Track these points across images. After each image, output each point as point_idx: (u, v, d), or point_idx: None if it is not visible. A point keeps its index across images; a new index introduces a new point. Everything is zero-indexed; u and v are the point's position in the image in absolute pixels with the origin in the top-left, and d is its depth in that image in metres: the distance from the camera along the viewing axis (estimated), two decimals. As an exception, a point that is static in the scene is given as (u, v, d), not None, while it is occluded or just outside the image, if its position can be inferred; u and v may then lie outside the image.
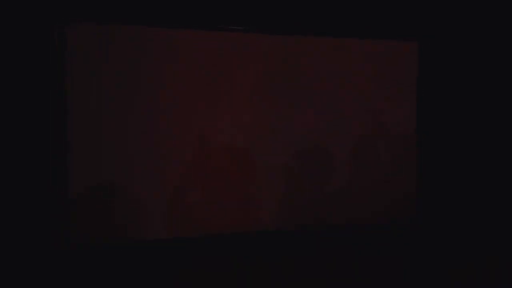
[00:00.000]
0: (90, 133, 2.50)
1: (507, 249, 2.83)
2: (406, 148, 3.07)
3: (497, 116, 3.03)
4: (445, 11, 2.99)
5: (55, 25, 2.38)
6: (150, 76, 2.60)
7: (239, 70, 2.75)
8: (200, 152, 2.72)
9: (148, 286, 2.29)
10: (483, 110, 3.04)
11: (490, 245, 2.90)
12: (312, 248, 2.84)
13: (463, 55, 3.04)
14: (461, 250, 2.83)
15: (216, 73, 2.70)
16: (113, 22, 2.50)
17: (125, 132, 2.57)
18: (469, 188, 3.06)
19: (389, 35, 2.98)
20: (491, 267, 2.50)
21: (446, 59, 3.03)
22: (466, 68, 3.04)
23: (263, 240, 2.83)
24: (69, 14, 2.40)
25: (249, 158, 2.81)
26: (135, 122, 2.58)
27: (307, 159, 2.94)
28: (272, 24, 2.76)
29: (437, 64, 3.04)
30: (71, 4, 2.41)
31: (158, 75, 2.60)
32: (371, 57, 2.96)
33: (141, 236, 2.63)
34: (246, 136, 2.78)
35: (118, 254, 2.58)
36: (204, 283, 2.33)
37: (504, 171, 3.05)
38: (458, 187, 3.09)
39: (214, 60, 2.69)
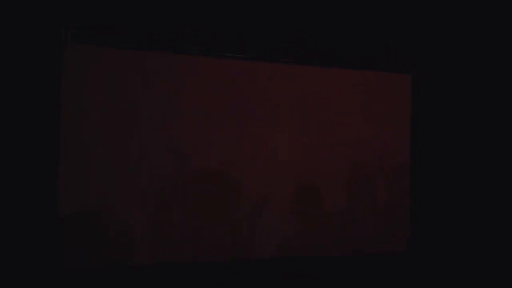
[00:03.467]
0: (83, 156, 2.45)
1: (505, 281, 2.83)
2: (400, 178, 3.07)
3: (491, 147, 3.07)
4: (439, 42, 3.05)
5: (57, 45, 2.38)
6: (150, 103, 2.59)
7: (238, 95, 2.76)
8: (191, 176, 2.69)
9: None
10: (477, 141, 3.07)
11: (486, 276, 2.90)
12: (302, 278, 2.78)
13: (458, 86, 3.09)
14: (455, 281, 2.81)
15: (217, 101, 2.71)
16: (114, 46, 2.51)
17: (123, 158, 2.53)
18: (464, 219, 3.07)
19: (382, 66, 3.03)
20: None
21: (439, 90, 3.08)
22: (460, 100, 3.09)
23: (253, 268, 2.79)
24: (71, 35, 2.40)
25: (242, 186, 2.79)
26: (134, 147, 2.55)
27: (298, 187, 2.93)
28: (265, 52, 2.80)
29: (430, 95, 3.08)
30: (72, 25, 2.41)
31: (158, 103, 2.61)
32: (363, 87, 3.00)
33: (129, 260, 2.58)
34: (244, 162, 2.77)
35: (103, 278, 2.52)
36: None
37: (500, 201, 3.06)
38: (452, 217, 3.09)
39: (208, 87, 2.70)
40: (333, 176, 2.94)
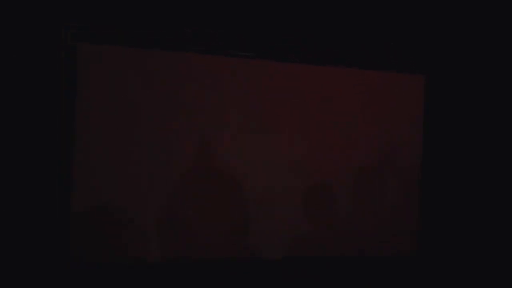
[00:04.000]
0: (96, 152, 2.48)
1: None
2: (411, 181, 3.00)
3: (506, 149, 2.96)
4: (453, 42, 2.95)
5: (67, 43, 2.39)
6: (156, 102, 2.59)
7: (239, 94, 2.73)
8: (201, 176, 2.68)
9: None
10: (490, 143, 2.98)
11: (493, 279, 2.85)
12: (307, 279, 2.77)
13: (471, 87, 3.00)
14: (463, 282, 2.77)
15: (220, 99, 2.68)
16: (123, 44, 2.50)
17: (133, 154, 2.55)
18: (475, 223, 2.99)
19: (395, 67, 2.94)
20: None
21: (453, 91, 2.99)
22: (474, 101, 3.01)
23: (259, 268, 2.78)
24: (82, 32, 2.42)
25: (244, 186, 2.76)
26: (143, 143, 2.57)
27: (307, 189, 2.89)
28: (273, 51, 2.75)
29: (444, 97, 2.99)
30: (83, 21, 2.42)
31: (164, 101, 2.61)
32: (376, 88, 2.92)
33: (140, 257, 2.60)
34: (245, 162, 2.74)
35: (116, 275, 2.55)
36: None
37: (510, 204, 2.97)
38: (463, 222, 3.01)
39: (216, 85, 2.68)
40: (344, 178, 2.90)
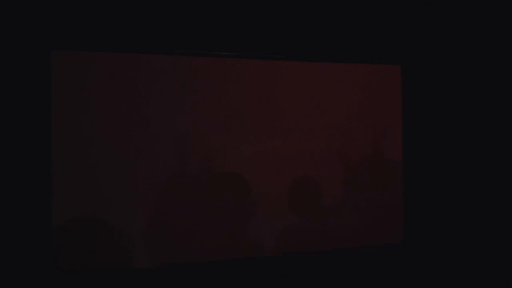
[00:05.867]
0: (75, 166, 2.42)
1: (499, 276, 2.85)
2: (392, 171, 3.05)
3: (486, 141, 3.04)
4: (429, 33, 3.01)
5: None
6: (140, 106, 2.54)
7: (226, 95, 2.70)
8: (193, 176, 2.64)
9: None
10: (470, 133, 3.04)
11: (478, 271, 2.91)
12: (300, 273, 2.77)
13: (449, 77, 3.05)
14: (448, 275, 2.82)
15: (208, 99, 2.65)
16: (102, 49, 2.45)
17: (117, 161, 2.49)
18: (458, 214, 3.06)
19: (370, 58, 2.97)
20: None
21: (430, 81, 3.03)
22: (454, 90, 3.05)
23: (251, 266, 2.77)
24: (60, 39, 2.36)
25: (240, 184, 2.75)
26: (127, 150, 2.52)
27: (292, 185, 2.89)
28: (253, 48, 2.74)
29: (422, 87, 3.03)
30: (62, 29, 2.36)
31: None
32: (353, 80, 2.95)
33: (127, 264, 2.54)
34: (237, 161, 2.71)
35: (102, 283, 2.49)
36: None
37: (493, 197, 3.05)
38: (446, 212, 3.08)
39: (207, 86, 2.64)
40: (326, 171, 2.91)
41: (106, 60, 2.49)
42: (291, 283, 2.71)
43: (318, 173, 2.90)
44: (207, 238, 2.69)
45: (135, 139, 2.55)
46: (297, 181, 2.88)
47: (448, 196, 3.07)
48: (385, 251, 3.00)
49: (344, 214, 2.96)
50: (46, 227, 2.40)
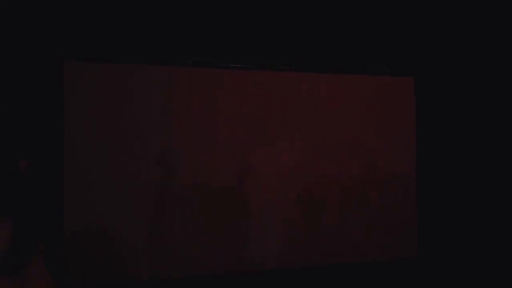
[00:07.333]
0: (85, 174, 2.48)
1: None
2: (405, 185, 2.98)
3: (503, 156, 2.95)
4: (441, 44, 2.96)
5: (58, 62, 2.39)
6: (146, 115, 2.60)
7: (229, 105, 2.73)
8: (193, 191, 2.66)
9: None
10: (483, 144, 2.95)
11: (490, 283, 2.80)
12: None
13: (462, 88, 3.00)
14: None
15: (210, 110, 2.69)
16: (115, 61, 2.51)
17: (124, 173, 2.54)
18: (472, 227, 2.94)
19: (384, 70, 2.95)
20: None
21: (443, 93, 2.98)
22: (465, 101, 2.99)
23: (251, 281, 2.72)
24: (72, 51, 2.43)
25: (241, 197, 2.74)
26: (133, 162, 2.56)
27: (301, 197, 2.86)
28: (265, 61, 2.76)
29: (435, 99, 2.98)
30: (74, 42, 2.43)
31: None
32: (366, 93, 2.92)
33: (132, 277, 2.56)
34: (237, 174, 2.73)
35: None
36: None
37: (506, 206, 2.93)
38: (459, 225, 2.97)
39: (206, 98, 2.67)
40: (337, 184, 2.88)
41: (116, 71, 2.55)
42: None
43: (331, 186, 2.89)
44: (211, 252, 2.66)
45: (134, 149, 2.55)
46: (309, 194, 2.86)
47: (463, 210, 2.98)
48: (399, 265, 2.91)
49: (357, 228, 2.91)
50: (56, 243, 2.39)
